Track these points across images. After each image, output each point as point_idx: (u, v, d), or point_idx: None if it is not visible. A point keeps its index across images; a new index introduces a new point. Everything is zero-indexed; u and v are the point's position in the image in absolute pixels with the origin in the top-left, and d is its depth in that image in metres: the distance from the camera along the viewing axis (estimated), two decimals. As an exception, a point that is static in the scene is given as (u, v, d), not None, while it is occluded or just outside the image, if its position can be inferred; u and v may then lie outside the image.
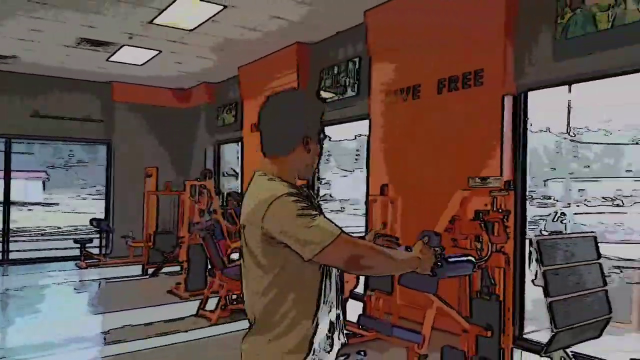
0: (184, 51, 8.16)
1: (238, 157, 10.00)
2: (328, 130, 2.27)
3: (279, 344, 1.69)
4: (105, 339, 5.11)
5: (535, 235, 3.23)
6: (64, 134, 10.22)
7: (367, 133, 6.24)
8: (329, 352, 1.76)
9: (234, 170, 10.74)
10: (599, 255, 3.17)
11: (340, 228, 1.63)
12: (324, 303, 1.74)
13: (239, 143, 9.60)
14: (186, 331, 5.16)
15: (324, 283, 1.73)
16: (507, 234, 3.66)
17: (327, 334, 1.75)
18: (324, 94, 7.26)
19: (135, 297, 6.95)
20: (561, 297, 2.86)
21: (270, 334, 1.69)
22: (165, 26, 6.94)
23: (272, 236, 1.63)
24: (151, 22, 6.74)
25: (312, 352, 1.70)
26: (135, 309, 6.08)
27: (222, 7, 6.27)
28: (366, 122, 6.27)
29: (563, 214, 8.56)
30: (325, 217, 1.66)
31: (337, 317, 1.81)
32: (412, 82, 5.60)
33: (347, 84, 6.77)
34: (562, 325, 2.79)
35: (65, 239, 15.57)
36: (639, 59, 3.98)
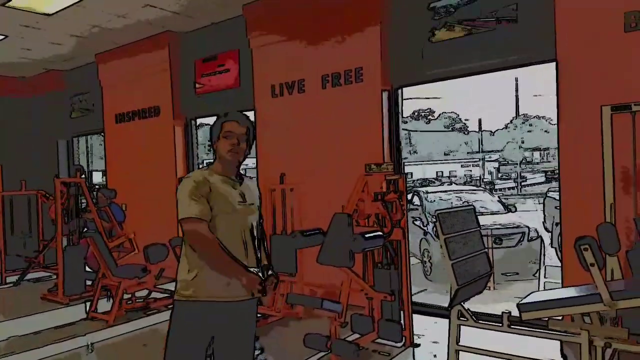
0: (35, 37, 7.41)
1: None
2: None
3: None
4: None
5: (436, 210, 3.86)
6: None
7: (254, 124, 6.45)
8: None
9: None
10: (478, 224, 3.91)
11: (198, 215, 2.37)
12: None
13: (102, 134, 9.02)
14: (84, 334, 4.92)
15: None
16: (403, 212, 4.27)
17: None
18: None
19: (5, 307, 6.28)
20: (457, 259, 3.51)
21: None
22: (20, 9, 6.27)
23: None
24: (4, 4, 6.04)
25: None
26: (13, 319, 5.54)
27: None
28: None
29: (417, 192, 9.73)
30: (199, 201, 2.40)
31: None
32: (297, 77, 5.97)
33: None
34: (462, 282, 3.45)
35: None
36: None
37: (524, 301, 3.41)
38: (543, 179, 35.11)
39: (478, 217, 3.91)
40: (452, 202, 9.29)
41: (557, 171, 4.60)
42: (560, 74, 4.34)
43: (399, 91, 5.49)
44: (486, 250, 3.95)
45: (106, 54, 8.32)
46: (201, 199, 2.40)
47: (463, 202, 9.33)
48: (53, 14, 6.48)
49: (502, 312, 3.50)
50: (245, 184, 2.63)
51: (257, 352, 4.31)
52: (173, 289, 2.60)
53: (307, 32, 5.86)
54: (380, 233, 4.01)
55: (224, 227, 2.46)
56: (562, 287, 4.39)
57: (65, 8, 6.29)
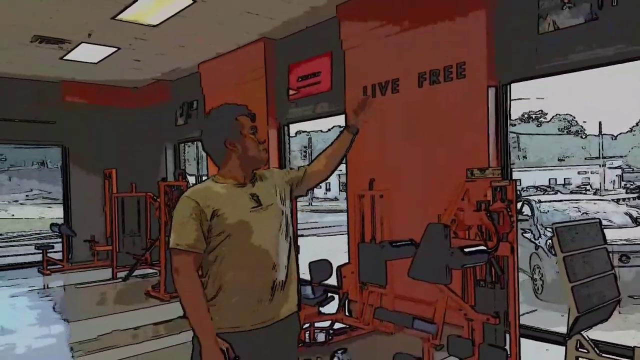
0: (143, 48, 7.81)
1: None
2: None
3: None
4: (96, 345, 4.91)
5: (553, 223, 3.32)
6: (12, 137, 9.63)
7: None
8: None
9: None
10: (605, 240, 3.32)
11: (189, 245, 1.96)
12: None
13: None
14: (179, 332, 4.98)
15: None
16: (511, 223, 3.75)
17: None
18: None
19: (113, 301, 6.68)
20: (579, 281, 2.97)
21: None
22: (127, 22, 6.61)
23: None
24: (113, 17, 6.40)
25: None
26: (117, 314, 5.84)
27: (191, 2, 6.05)
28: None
29: (527, 201, 8.87)
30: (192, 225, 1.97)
31: None
32: (391, 76, 5.62)
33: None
34: (583, 309, 2.91)
35: (14, 246, 14.82)
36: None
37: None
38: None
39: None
40: (568, 213, 8.32)
41: None
42: None
43: (508, 87, 4.92)
44: (614, 271, 3.32)
45: (207, 63, 8.58)
46: (196, 222, 1.96)
47: (582, 214, 8.32)
48: (158, 24, 6.75)
49: (635, 347, 2.89)
50: (258, 183, 2.17)
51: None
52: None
53: (402, 27, 5.47)
54: (483, 247, 3.53)
55: (238, 252, 2.01)
56: None
57: (168, 18, 6.52)
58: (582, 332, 3.04)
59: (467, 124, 4.93)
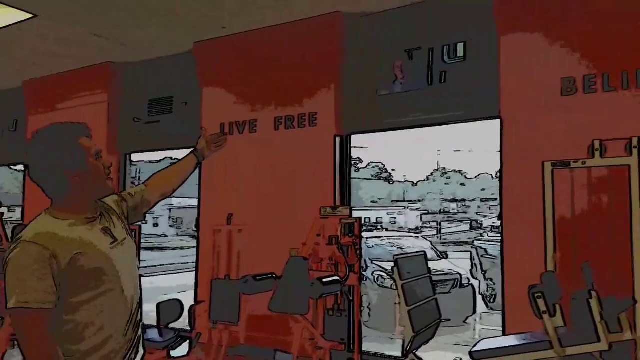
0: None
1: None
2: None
3: None
4: None
5: (394, 255, 3.90)
6: None
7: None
8: None
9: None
10: (429, 270, 4.01)
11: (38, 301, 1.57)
12: None
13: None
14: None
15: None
16: (357, 256, 4.28)
17: None
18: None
19: None
20: (414, 305, 3.56)
21: None
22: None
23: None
24: None
25: None
26: None
27: (31, 16, 5.63)
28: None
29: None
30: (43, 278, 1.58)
31: None
32: (249, 117, 5.95)
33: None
34: (418, 329, 3.48)
35: None
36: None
37: (476, 349, 3.49)
38: (468, 228, 37.17)
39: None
40: (387, 248, 9.45)
41: (498, 221, 4.84)
42: (504, 131, 4.64)
43: (350, 137, 5.61)
44: (436, 296, 4.03)
45: (35, 81, 7.87)
46: (45, 271, 1.59)
47: (397, 248, 9.52)
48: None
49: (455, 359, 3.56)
50: (105, 215, 1.86)
51: None
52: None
53: (262, 76, 5.90)
54: (337, 278, 3.98)
55: (112, 297, 1.74)
56: (504, 334, 4.54)
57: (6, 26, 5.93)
58: (415, 352, 3.61)
59: (317, 166, 5.47)
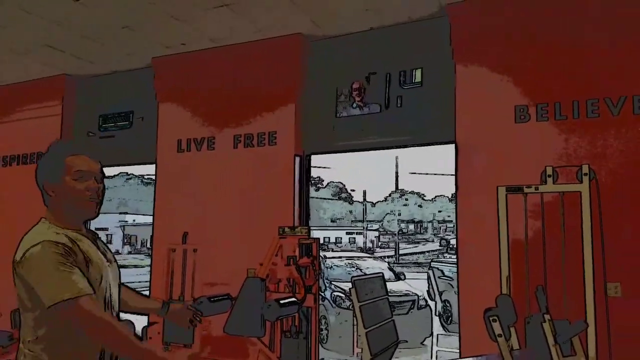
0: None
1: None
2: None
3: None
4: None
5: (352, 276, 3.87)
6: None
7: (154, 178, 6.15)
8: None
9: None
10: (387, 291, 4.00)
11: (87, 290, 1.69)
12: None
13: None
14: None
15: None
16: (315, 277, 4.23)
17: None
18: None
19: None
20: (371, 327, 3.53)
21: None
22: None
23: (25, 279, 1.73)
24: None
25: None
26: None
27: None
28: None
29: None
30: (80, 271, 1.72)
31: None
32: (207, 134, 5.86)
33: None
34: (375, 351, 3.45)
35: None
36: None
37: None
38: (430, 248, 37.79)
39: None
40: (346, 269, 9.44)
41: (452, 244, 4.91)
42: (459, 155, 4.74)
43: (310, 157, 5.61)
44: (393, 318, 4.02)
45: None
46: (75, 266, 1.72)
47: (355, 269, 9.53)
48: None
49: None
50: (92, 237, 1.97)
51: None
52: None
53: (222, 94, 5.85)
54: (295, 299, 3.91)
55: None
56: (460, 356, 4.57)
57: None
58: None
59: (276, 185, 5.42)
